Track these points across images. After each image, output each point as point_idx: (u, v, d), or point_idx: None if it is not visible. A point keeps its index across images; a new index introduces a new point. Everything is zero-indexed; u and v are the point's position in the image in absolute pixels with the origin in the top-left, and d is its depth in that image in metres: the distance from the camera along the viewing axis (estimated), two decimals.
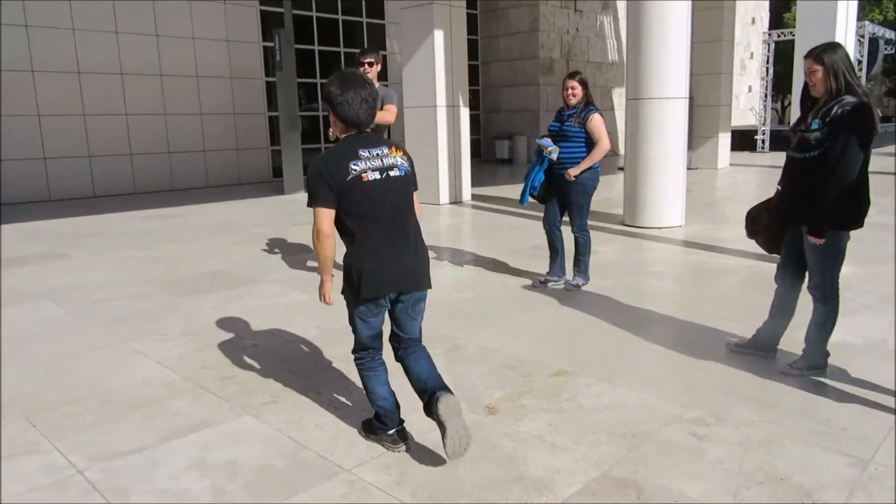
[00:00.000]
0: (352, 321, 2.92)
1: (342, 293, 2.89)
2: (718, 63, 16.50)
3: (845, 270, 3.61)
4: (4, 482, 2.70)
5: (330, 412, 3.32)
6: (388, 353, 3.00)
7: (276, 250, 7.53)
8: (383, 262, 2.76)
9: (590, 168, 5.22)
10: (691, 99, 8.87)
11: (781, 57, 26.66)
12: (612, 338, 4.41)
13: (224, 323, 4.83)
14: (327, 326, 4.69)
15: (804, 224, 3.46)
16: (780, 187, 3.68)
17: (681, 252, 7.25)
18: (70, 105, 13.13)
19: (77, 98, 13.20)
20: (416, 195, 2.94)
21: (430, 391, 2.81)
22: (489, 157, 21.30)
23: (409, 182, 2.85)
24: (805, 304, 3.72)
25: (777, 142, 22.75)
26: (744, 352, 3.99)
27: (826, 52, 3.34)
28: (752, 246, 6.99)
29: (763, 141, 22.61)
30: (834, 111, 3.27)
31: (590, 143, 5.22)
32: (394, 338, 2.98)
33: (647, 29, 8.08)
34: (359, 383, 3.24)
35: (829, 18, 7.97)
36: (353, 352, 2.99)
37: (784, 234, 3.69)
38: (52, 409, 3.39)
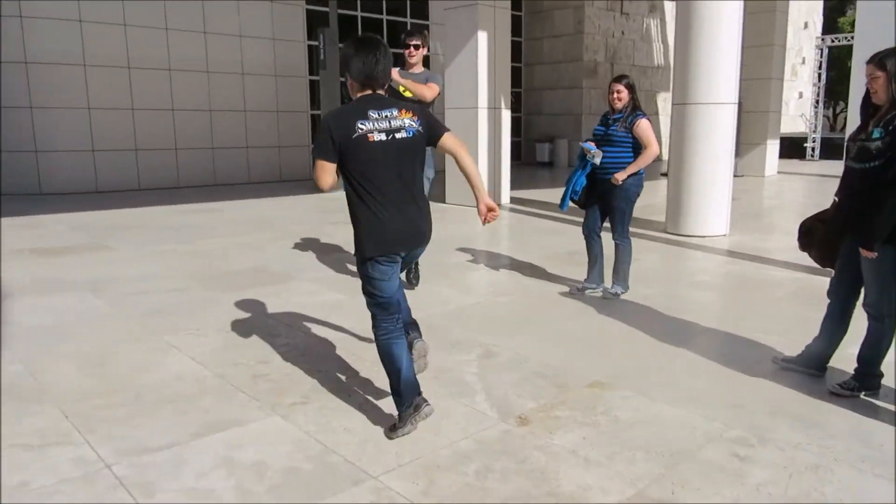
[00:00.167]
0: (369, 285, 3.01)
1: (357, 267, 3.04)
2: (769, 68, 16.09)
3: None
4: (35, 472, 2.71)
5: (359, 416, 3.26)
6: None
7: (313, 248, 7.54)
8: (389, 222, 2.88)
9: (635, 174, 5.09)
10: (739, 104, 8.62)
11: (834, 63, 25.93)
12: (650, 349, 4.28)
13: (258, 320, 4.83)
14: (361, 328, 4.64)
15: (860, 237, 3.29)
16: (836, 199, 3.51)
17: (725, 262, 7.04)
18: (119, 99, 13.41)
19: (126, 92, 13.47)
20: (447, 137, 3.04)
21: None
22: (529, 160, 21.14)
23: (417, 143, 2.93)
24: (859, 321, 3.55)
25: (828, 150, 22.12)
26: (791, 369, 3.82)
27: (889, 58, 3.17)
28: (800, 258, 6.78)
29: (813, 149, 22.00)
30: None
31: (636, 149, 5.10)
32: None
33: (697, 30, 7.87)
34: (389, 391, 3.19)
35: (889, 22, 7.66)
36: (374, 317, 3.07)
37: (839, 248, 3.53)
38: (85, 401, 3.41)
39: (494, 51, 10.89)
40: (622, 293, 5.43)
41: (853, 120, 13.52)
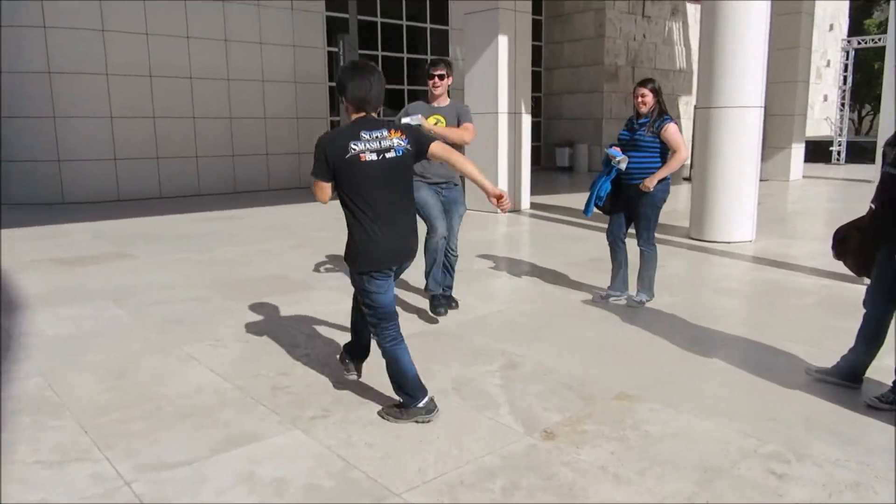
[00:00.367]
0: (366, 298, 3.20)
1: (351, 277, 3.23)
2: (794, 71, 15.85)
3: None
4: (54, 490, 2.67)
5: (380, 430, 3.19)
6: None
7: (333, 255, 7.49)
8: (382, 240, 3.09)
9: (662, 179, 4.99)
10: (765, 108, 8.46)
11: (861, 65, 25.52)
12: (678, 359, 4.17)
13: (278, 330, 4.78)
14: None
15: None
16: (872, 205, 3.38)
17: (751, 269, 6.90)
18: (141, 107, 13.50)
19: (148, 101, 13.57)
20: (435, 145, 3.28)
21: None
22: (549, 165, 21.01)
23: (406, 161, 3.14)
24: None
25: (854, 154, 21.76)
26: (825, 380, 3.70)
27: None
28: (828, 265, 6.65)
29: (839, 153, 21.64)
30: None
31: (663, 153, 4.99)
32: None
33: (723, 31, 7.73)
34: None
35: None
36: (377, 327, 3.24)
37: (876, 256, 3.40)
38: (104, 414, 3.37)
39: (515, 55, 10.82)
40: (647, 301, 5.32)
41: (886, 124, 13.25)
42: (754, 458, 2.90)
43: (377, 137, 3.07)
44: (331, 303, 5.49)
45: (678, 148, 4.96)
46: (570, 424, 3.25)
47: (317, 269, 6.79)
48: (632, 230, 5.32)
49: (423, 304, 5.35)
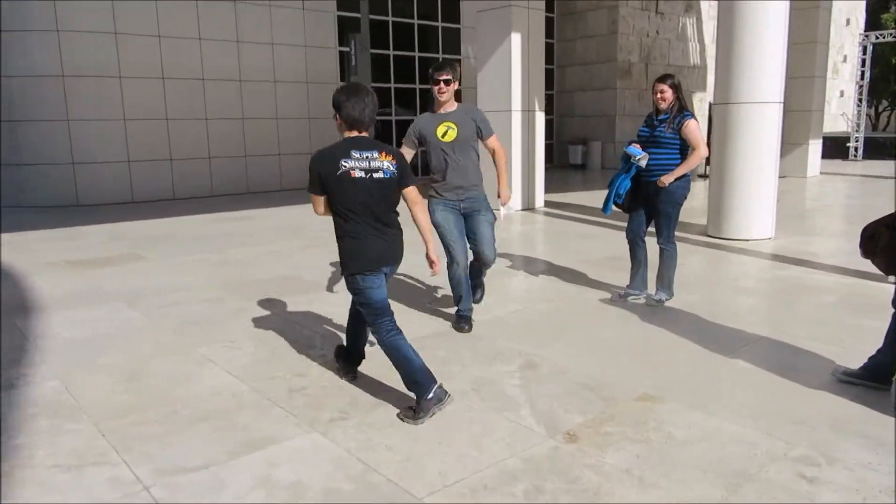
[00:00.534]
0: (361, 297, 3.38)
1: (345, 278, 3.41)
2: (812, 66, 15.66)
3: None
4: (72, 495, 2.65)
5: (399, 432, 3.14)
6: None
7: None
8: (370, 243, 3.33)
9: (682, 176, 4.91)
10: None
11: (878, 60, 25.20)
12: (699, 359, 4.09)
13: (292, 331, 4.74)
14: None
15: None
16: None
17: (770, 266, 6.79)
18: (154, 110, 13.53)
19: (161, 103, 13.59)
20: (411, 189, 3.47)
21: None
22: (562, 163, 20.91)
23: (392, 182, 3.36)
24: None
25: (871, 149, 21.50)
26: (853, 382, 3.61)
27: None
28: (849, 262, 6.55)
29: (856, 149, 21.39)
30: None
31: (683, 150, 4.92)
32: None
33: (741, 27, 7.62)
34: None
35: None
36: (374, 324, 3.39)
37: None
38: (121, 417, 3.34)
39: (528, 52, 10.74)
40: (666, 300, 5.25)
41: None
42: (783, 462, 2.82)
43: (367, 158, 3.30)
44: (344, 303, 5.37)
45: (697, 145, 4.88)
46: (593, 426, 3.19)
47: (329, 269, 6.75)
48: (650, 228, 5.24)
49: (441, 305, 5.31)
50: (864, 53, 21.87)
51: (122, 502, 2.58)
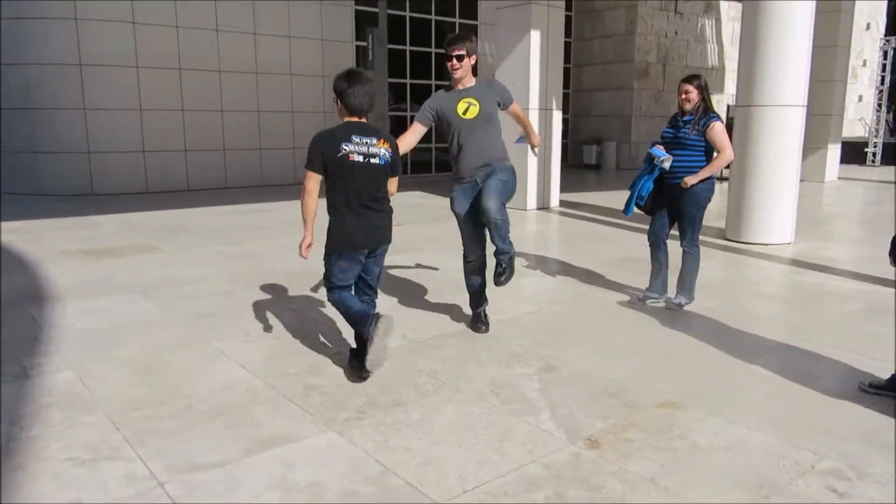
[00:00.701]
0: (329, 271, 3.69)
1: (325, 250, 3.67)
2: (832, 70, 15.48)
3: None
4: (86, 490, 2.61)
5: (417, 433, 3.09)
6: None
7: None
8: (354, 227, 3.59)
9: (706, 178, 4.82)
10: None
11: None
12: (721, 366, 4.01)
13: (307, 326, 4.70)
14: (414, 336, 4.49)
15: None
16: None
17: (790, 272, 6.69)
18: (170, 100, 13.53)
19: (177, 93, 13.59)
20: (395, 179, 3.76)
21: (374, 315, 3.57)
22: (576, 163, 20.78)
23: (385, 169, 3.63)
24: None
25: (889, 155, 21.24)
26: (880, 393, 3.52)
27: None
28: (870, 269, 6.44)
29: (874, 154, 21.15)
30: None
31: (708, 152, 4.83)
32: (359, 279, 3.82)
33: (766, 29, 7.51)
34: (448, 405, 3.02)
35: None
36: (330, 291, 3.72)
37: None
38: (135, 411, 3.30)
39: (547, 51, 10.64)
40: (686, 304, 5.16)
41: None
42: (812, 475, 2.75)
43: (366, 143, 3.54)
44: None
45: (723, 148, 4.80)
46: (614, 432, 3.12)
47: None
48: (672, 231, 5.17)
49: (456, 301, 5.25)
50: (885, 58, 21.61)
51: (137, 501, 2.53)
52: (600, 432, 3.12)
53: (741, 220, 7.95)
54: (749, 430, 3.14)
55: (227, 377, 3.77)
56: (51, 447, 2.93)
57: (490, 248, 4.41)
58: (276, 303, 5.30)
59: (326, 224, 3.65)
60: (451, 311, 5.10)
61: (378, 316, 3.52)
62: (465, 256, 4.58)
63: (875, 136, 21.39)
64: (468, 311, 4.83)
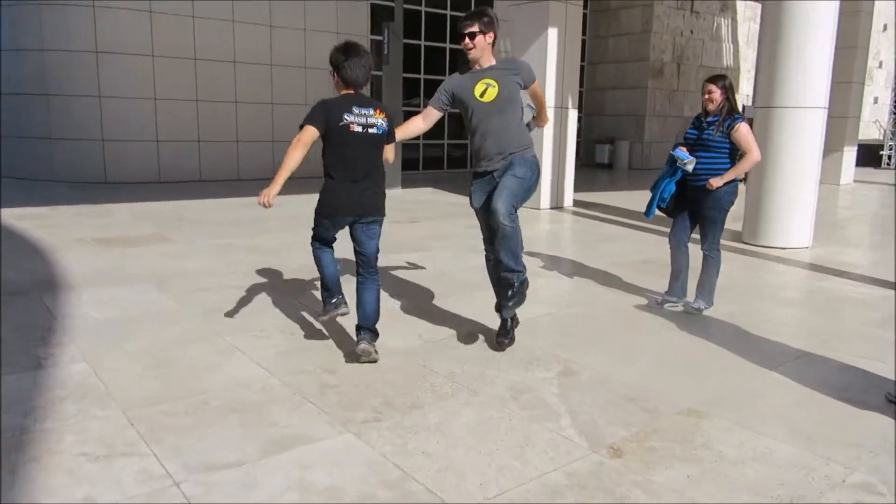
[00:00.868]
0: (316, 224, 3.92)
1: (315, 210, 3.89)
2: (850, 72, 15.31)
3: None
4: (100, 487, 2.56)
5: (436, 437, 3.03)
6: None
7: None
8: (344, 193, 3.75)
9: (730, 181, 4.74)
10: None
11: None
12: (742, 373, 3.94)
13: (321, 323, 4.64)
14: (430, 336, 4.43)
15: None
16: None
17: (810, 277, 6.61)
18: (185, 90, 13.50)
19: (192, 84, 13.56)
20: (390, 146, 3.93)
21: (359, 329, 3.91)
22: (588, 162, 20.66)
23: (381, 139, 3.77)
24: None
25: None
26: None
27: None
28: (890, 274, 6.34)
29: (889, 157, 20.94)
30: None
31: (733, 154, 4.75)
32: (356, 254, 3.94)
33: (788, 30, 7.40)
34: (466, 408, 2.99)
35: None
36: (313, 241, 3.97)
37: None
38: (150, 406, 3.26)
39: (564, 49, 10.55)
40: (706, 308, 5.09)
41: None
42: (843, 489, 2.68)
43: (365, 114, 3.68)
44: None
45: (750, 149, 4.71)
46: (637, 441, 3.05)
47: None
48: (694, 234, 5.09)
49: (472, 301, 5.18)
50: None
51: (153, 501, 2.48)
52: (623, 440, 3.05)
53: (759, 224, 7.86)
54: (776, 441, 3.07)
55: (241, 373, 3.72)
56: (65, 440, 2.89)
57: None
58: (289, 298, 5.26)
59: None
60: (467, 310, 5.03)
61: (362, 342, 3.83)
62: (486, 255, 4.42)
63: (891, 139, 21.17)
64: (489, 307, 4.59)
